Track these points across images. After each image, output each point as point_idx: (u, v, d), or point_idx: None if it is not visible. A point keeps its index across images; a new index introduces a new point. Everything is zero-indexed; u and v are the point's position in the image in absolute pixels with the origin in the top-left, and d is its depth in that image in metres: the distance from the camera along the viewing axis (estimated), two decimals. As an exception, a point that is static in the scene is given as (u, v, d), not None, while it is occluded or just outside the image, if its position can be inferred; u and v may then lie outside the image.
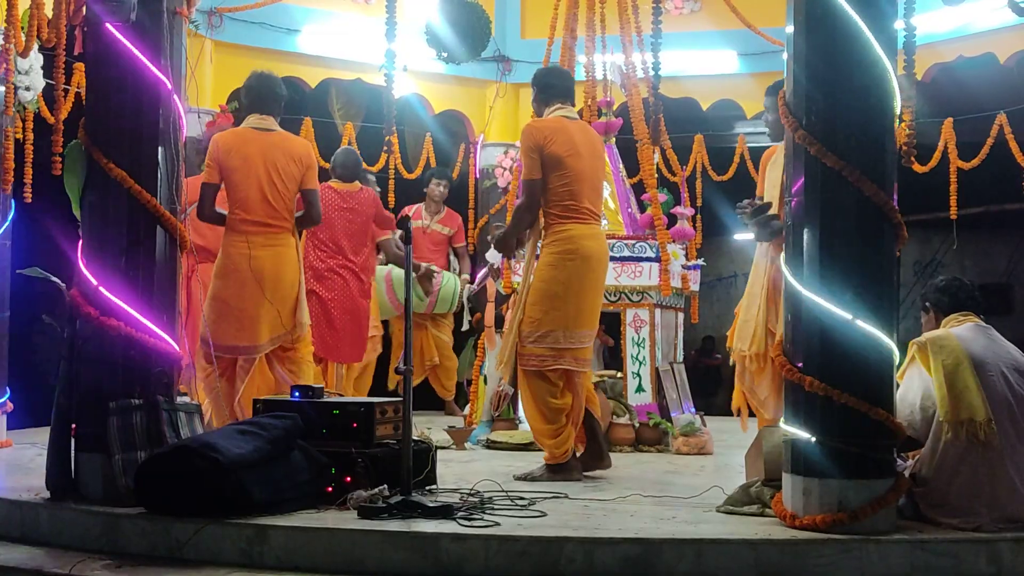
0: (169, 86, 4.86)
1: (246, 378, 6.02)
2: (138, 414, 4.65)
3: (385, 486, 4.58)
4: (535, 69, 8.23)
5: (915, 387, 4.55)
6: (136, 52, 4.78)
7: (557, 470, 5.65)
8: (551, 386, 5.64)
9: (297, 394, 5.02)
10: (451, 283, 9.33)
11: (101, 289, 4.71)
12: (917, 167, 8.52)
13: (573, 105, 5.95)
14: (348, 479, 4.66)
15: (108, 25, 4.79)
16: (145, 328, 4.72)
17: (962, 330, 4.62)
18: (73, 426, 4.76)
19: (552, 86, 5.92)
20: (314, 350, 6.54)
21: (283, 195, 5.95)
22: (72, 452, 4.76)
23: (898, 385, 4.49)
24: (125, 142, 4.81)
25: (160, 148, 4.84)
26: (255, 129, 6.02)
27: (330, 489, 4.64)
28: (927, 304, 4.85)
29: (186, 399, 4.99)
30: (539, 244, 5.80)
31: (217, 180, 5.94)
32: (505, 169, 10.78)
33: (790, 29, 4.45)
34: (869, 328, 4.20)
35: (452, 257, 9.93)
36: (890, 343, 4.25)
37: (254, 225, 5.90)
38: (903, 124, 4.71)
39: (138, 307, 4.73)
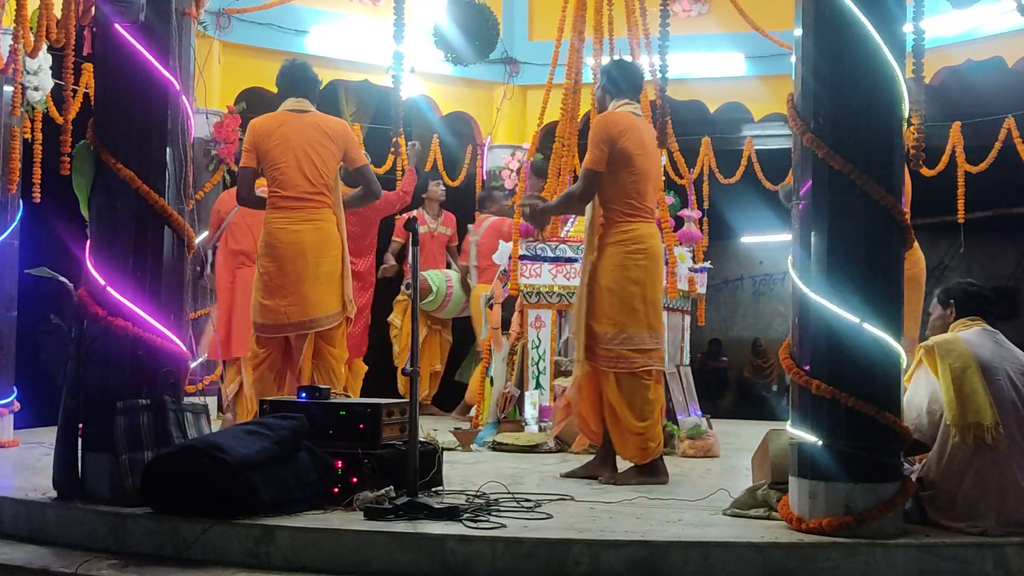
0: (177, 87, 4.87)
1: (300, 357, 6.01)
2: (145, 414, 4.65)
3: (391, 487, 4.58)
4: (545, 71, 8.35)
5: (922, 391, 4.55)
6: (145, 53, 4.79)
7: (648, 471, 5.64)
8: (644, 381, 5.64)
9: (304, 395, 5.03)
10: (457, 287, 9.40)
11: (109, 289, 4.72)
12: (925, 171, 8.51)
13: (639, 103, 5.92)
14: (354, 480, 4.66)
15: (117, 26, 4.80)
16: (152, 328, 4.72)
17: (969, 334, 4.62)
18: (80, 426, 4.76)
19: (623, 80, 5.88)
20: None
21: (321, 172, 5.96)
22: (79, 452, 4.76)
23: (905, 388, 4.49)
24: (133, 142, 4.82)
25: (168, 148, 4.86)
26: (291, 111, 6.07)
27: (336, 490, 4.65)
28: (951, 300, 4.84)
29: (193, 399, 5.00)
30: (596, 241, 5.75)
31: (255, 164, 5.99)
32: (512, 171, 10.78)
33: (798, 32, 4.45)
34: (876, 332, 4.20)
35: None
36: (897, 347, 4.25)
37: (293, 201, 5.92)
38: (911, 128, 4.71)
39: (145, 307, 4.73)
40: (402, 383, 9.14)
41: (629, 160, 5.62)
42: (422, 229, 9.64)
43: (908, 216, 5.65)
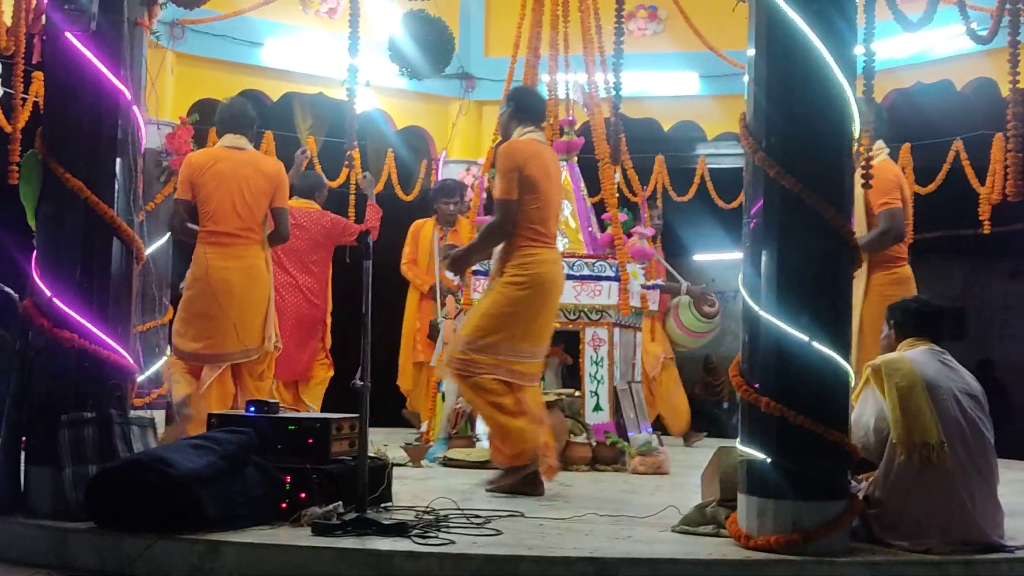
0: (129, 96, 4.82)
1: (206, 386, 6.13)
2: (90, 427, 4.59)
3: (340, 503, 4.55)
4: (501, 87, 8.36)
5: (869, 409, 4.58)
6: (96, 61, 4.74)
7: (517, 475, 5.70)
8: (489, 390, 5.68)
9: (252, 409, 4.99)
10: None
11: (55, 300, 4.66)
12: (874, 191, 8.58)
13: (543, 130, 5.99)
14: (303, 495, 4.62)
15: (68, 34, 4.75)
16: (99, 340, 4.66)
17: (916, 353, 4.65)
18: (23, 439, 4.69)
19: (529, 108, 5.99)
20: None
21: (252, 209, 6.18)
22: (22, 465, 4.69)
23: (852, 407, 4.52)
24: (83, 152, 4.77)
25: (118, 159, 4.80)
26: (228, 148, 6.30)
27: (284, 505, 4.61)
28: (892, 320, 4.87)
29: (140, 413, 4.94)
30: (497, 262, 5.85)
31: (190, 197, 6.20)
32: (467, 186, 10.77)
33: (751, 52, 4.49)
34: (825, 350, 4.23)
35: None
36: (846, 365, 4.28)
37: (224, 236, 6.12)
38: (861, 148, 4.75)
39: (92, 319, 4.67)
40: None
41: (534, 186, 5.71)
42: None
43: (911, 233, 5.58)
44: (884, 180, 5.74)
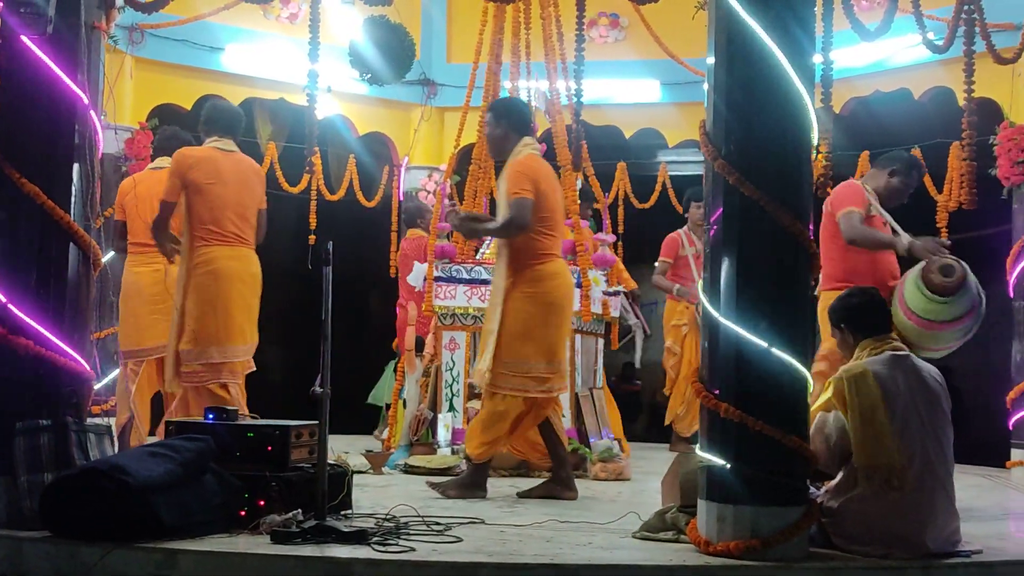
0: (86, 101, 4.78)
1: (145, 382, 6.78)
2: (46, 435, 4.54)
3: (299, 510, 4.52)
4: (463, 93, 8.37)
5: (831, 423, 4.52)
6: (52, 66, 4.70)
7: None
8: (216, 394, 6.13)
9: (211, 416, 4.95)
10: None
11: (10, 307, 4.61)
12: (833, 199, 8.64)
13: (233, 139, 6.47)
14: (261, 503, 4.59)
15: (24, 38, 4.70)
16: (55, 347, 4.62)
17: (880, 365, 4.53)
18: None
19: (216, 120, 6.51)
20: None
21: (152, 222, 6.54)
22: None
23: (813, 416, 4.53)
24: (39, 157, 4.72)
25: (75, 164, 4.77)
26: (220, 150, 6.49)
27: (243, 513, 4.57)
28: (841, 324, 4.82)
29: (96, 421, 4.89)
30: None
31: (122, 217, 6.97)
32: (429, 192, 10.77)
33: (711, 60, 4.51)
34: (784, 356, 4.25)
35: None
36: (805, 371, 4.31)
37: (139, 246, 6.91)
38: (820, 156, 4.78)
39: (49, 326, 4.63)
40: None
41: (199, 189, 6.22)
42: (691, 251, 9.49)
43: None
44: (517, 173, 5.89)
